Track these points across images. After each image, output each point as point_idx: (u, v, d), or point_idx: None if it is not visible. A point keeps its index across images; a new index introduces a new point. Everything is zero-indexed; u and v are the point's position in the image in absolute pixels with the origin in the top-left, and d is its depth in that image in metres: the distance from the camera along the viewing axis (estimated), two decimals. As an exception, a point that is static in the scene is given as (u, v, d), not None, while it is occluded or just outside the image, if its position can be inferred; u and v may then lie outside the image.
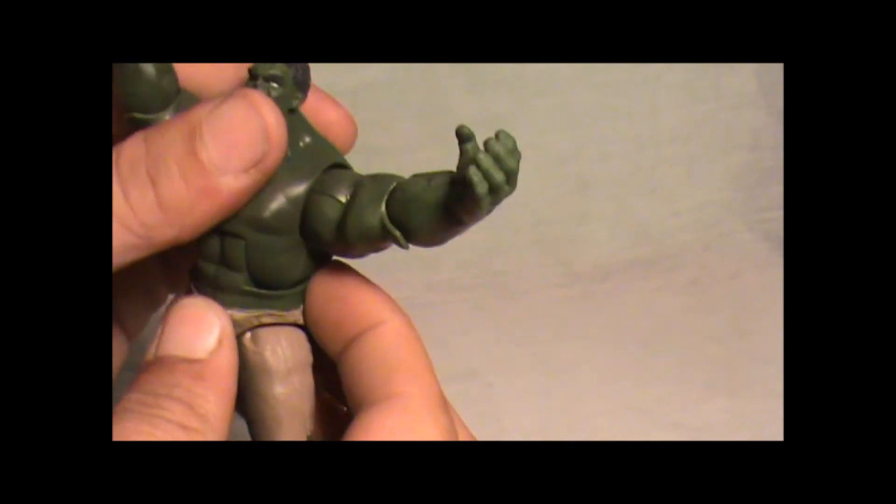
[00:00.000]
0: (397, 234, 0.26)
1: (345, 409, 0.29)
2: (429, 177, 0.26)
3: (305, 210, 0.27)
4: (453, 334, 0.68)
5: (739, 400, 0.62)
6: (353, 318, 0.27)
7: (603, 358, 0.67)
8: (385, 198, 0.26)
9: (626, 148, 0.80)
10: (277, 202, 0.26)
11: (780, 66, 0.77)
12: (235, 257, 0.27)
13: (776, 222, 0.80)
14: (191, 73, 0.27)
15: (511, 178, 0.24)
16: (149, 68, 0.26)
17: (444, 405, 0.26)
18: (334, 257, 0.29)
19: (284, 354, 0.27)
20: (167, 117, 0.26)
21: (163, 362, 0.25)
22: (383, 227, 0.26)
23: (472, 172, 0.23)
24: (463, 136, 0.23)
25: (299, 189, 0.27)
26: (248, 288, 0.27)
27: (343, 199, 0.26)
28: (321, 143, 0.28)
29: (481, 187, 0.23)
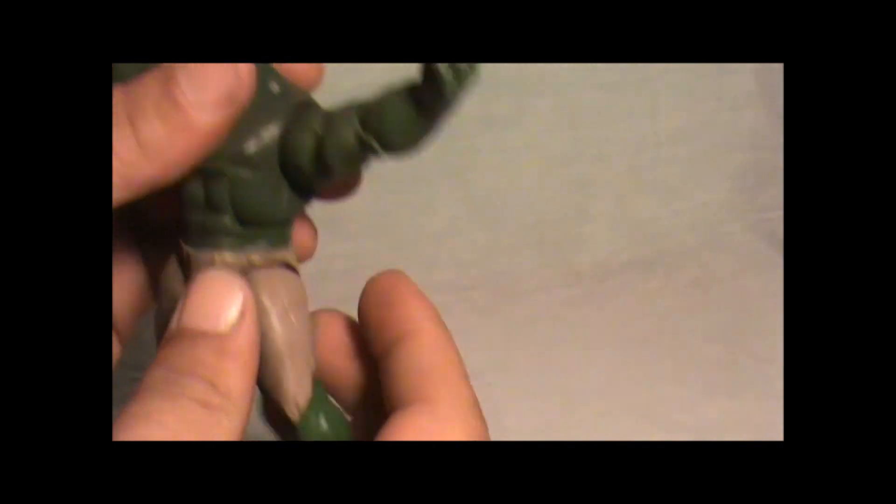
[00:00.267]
0: (373, 141, 0.26)
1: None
2: (396, 87, 0.27)
3: (283, 144, 0.27)
4: (453, 334, 0.68)
5: (739, 400, 0.62)
6: (394, 323, 0.28)
7: (603, 358, 0.67)
8: (356, 112, 0.27)
9: (626, 148, 0.80)
10: (255, 137, 0.27)
11: (780, 66, 0.77)
12: (219, 197, 0.27)
13: (776, 222, 0.80)
14: None
15: (471, 66, 0.25)
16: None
17: (477, 411, 0.26)
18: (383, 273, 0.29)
19: (280, 294, 0.27)
20: None
21: (184, 335, 0.25)
22: (359, 139, 0.26)
23: (435, 64, 0.25)
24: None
25: (275, 124, 0.27)
26: (234, 227, 0.27)
27: (318, 128, 0.27)
28: (290, 87, 0.28)
29: (444, 69, 0.25)
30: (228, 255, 0.27)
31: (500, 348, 0.67)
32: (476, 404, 0.26)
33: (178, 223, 0.28)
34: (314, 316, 0.30)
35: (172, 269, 0.29)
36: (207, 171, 0.27)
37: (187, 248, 0.28)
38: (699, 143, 0.81)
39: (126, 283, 0.32)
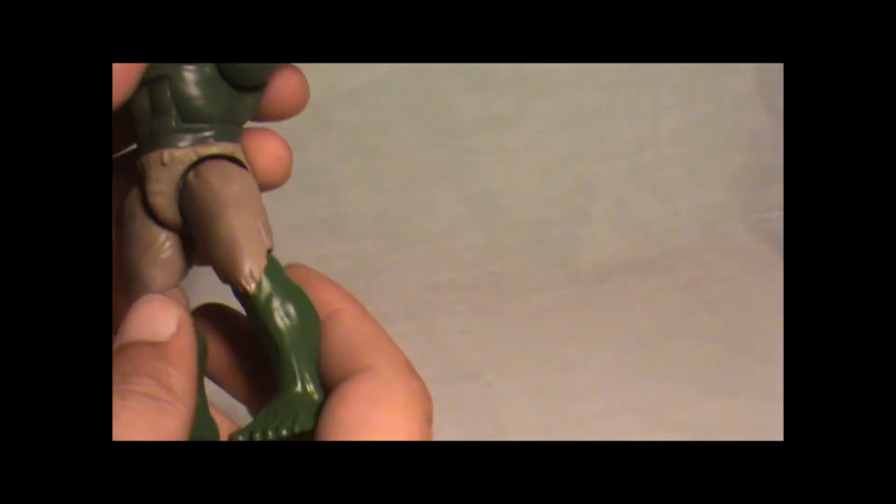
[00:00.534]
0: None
1: None
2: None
3: None
4: (453, 334, 0.68)
5: (739, 400, 0.62)
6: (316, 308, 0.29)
7: (603, 358, 0.67)
8: None
9: (626, 148, 0.80)
10: None
11: (780, 66, 0.77)
12: (163, 100, 0.28)
13: (776, 222, 0.80)
14: None
15: None
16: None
17: (414, 372, 0.27)
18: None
19: (228, 180, 0.28)
20: None
21: (128, 347, 0.26)
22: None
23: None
24: None
25: None
26: (179, 125, 0.28)
27: None
28: None
29: None
30: (176, 151, 0.28)
31: (500, 348, 0.67)
32: (410, 364, 0.27)
33: (134, 156, 0.29)
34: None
35: (131, 204, 0.29)
36: (151, 78, 0.28)
37: (139, 161, 0.29)
38: (699, 143, 0.82)
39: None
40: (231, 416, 0.32)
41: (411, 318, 0.69)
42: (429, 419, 0.27)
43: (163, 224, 0.29)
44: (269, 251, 0.28)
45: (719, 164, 0.82)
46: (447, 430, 0.56)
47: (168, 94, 0.28)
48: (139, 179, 0.29)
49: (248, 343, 0.31)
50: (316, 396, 0.27)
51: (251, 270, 0.27)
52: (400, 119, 0.75)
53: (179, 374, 0.26)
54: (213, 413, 0.30)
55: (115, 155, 0.32)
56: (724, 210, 0.81)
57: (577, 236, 0.79)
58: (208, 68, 0.28)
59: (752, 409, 0.61)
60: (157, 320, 0.27)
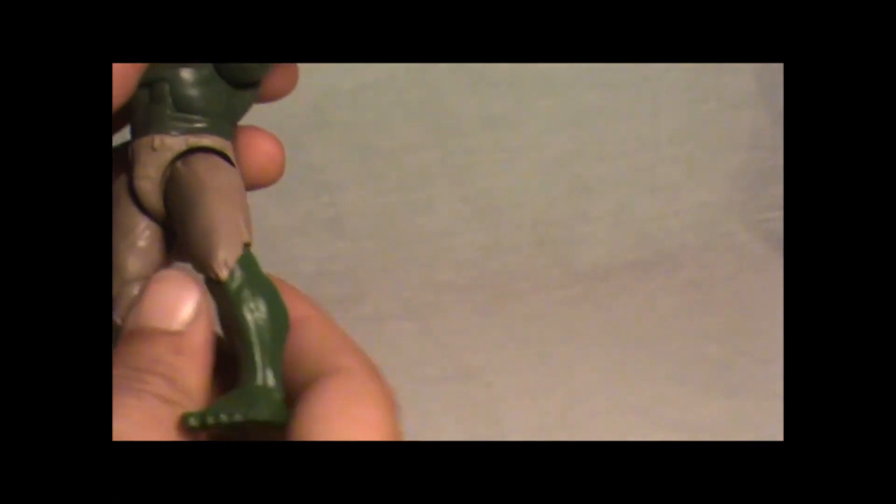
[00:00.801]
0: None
1: None
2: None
3: None
4: (453, 334, 0.68)
5: (738, 400, 0.62)
6: None
7: (603, 358, 0.67)
8: None
9: (626, 148, 0.80)
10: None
11: (780, 66, 0.77)
12: (161, 93, 0.29)
13: (776, 222, 0.80)
14: None
15: None
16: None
17: (383, 376, 0.28)
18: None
19: (215, 171, 0.28)
20: None
21: (142, 334, 0.26)
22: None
23: None
24: None
25: None
26: (173, 113, 0.29)
27: None
28: None
29: None
30: (168, 138, 0.28)
31: (500, 348, 0.67)
32: (378, 368, 0.28)
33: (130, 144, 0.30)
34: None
35: (116, 189, 0.29)
36: (150, 80, 0.28)
37: (130, 145, 0.29)
38: (699, 143, 0.82)
39: None
40: None
41: (411, 318, 0.69)
42: (398, 419, 0.27)
43: (145, 210, 0.29)
44: (247, 245, 0.28)
45: (719, 164, 0.82)
46: (447, 429, 0.56)
47: (167, 88, 0.28)
48: (128, 164, 0.29)
49: (222, 365, 0.31)
50: (276, 393, 0.27)
51: (225, 258, 0.27)
52: (400, 119, 0.75)
53: (194, 370, 0.26)
54: None
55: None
56: (724, 210, 0.81)
57: (577, 236, 0.79)
58: (206, 69, 0.29)
59: (752, 409, 0.61)
60: (175, 304, 0.26)
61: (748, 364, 0.66)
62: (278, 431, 0.27)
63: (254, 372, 0.27)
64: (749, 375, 0.64)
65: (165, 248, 0.29)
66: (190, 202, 0.28)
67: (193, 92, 0.29)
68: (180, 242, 0.29)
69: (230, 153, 0.29)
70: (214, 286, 0.28)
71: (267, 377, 0.27)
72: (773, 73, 0.80)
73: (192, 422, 0.26)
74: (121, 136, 0.30)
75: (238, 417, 0.26)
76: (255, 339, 0.27)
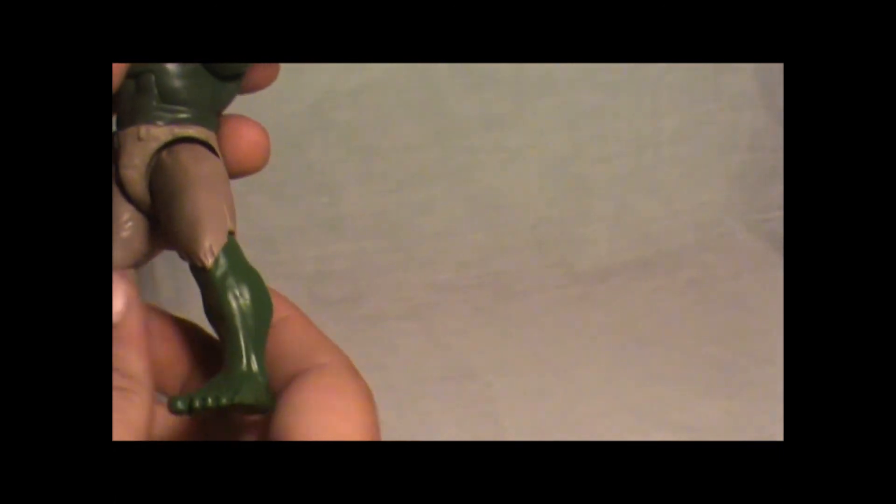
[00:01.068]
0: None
1: None
2: None
3: None
4: (453, 334, 0.68)
5: (739, 400, 0.62)
6: None
7: (602, 358, 0.67)
8: None
9: (626, 148, 0.80)
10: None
11: (780, 66, 0.77)
12: (147, 84, 0.29)
13: (776, 222, 0.80)
14: None
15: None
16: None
17: (358, 372, 0.29)
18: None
19: (200, 161, 0.29)
20: None
21: None
22: None
23: None
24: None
25: None
26: (159, 104, 0.29)
27: None
28: None
29: None
30: (153, 128, 0.29)
31: (500, 348, 0.67)
32: (354, 366, 0.29)
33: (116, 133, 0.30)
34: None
35: None
36: (137, 70, 0.29)
37: (115, 136, 0.29)
38: (699, 143, 0.82)
39: None
40: None
41: (411, 318, 0.69)
42: (376, 412, 0.27)
43: (130, 199, 0.29)
44: (232, 233, 0.28)
45: (719, 164, 0.82)
46: (446, 429, 0.56)
47: (153, 79, 0.29)
48: (114, 153, 0.29)
49: (207, 358, 0.31)
50: (260, 378, 0.28)
51: (210, 246, 0.28)
52: (400, 119, 0.75)
53: (136, 357, 0.26)
54: (157, 407, 0.30)
55: None
56: (724, 210, 0.81)
57: (577, 236, 0.79)
58: (196, 64, 0.29)
59: (751, 410, 0.61)
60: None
61: (748, 364, 0.66)
62: (262, 415, 0.27)
63: (238, 357, 0.28)
64: (749, 376, 0.64)
65: (148, 238, 0.30)
66: (175, 191, 0.28)
67: (179, 83, 0.29)
68: (165, 231, 0.29)
69: (214, 144, 0.30)
70: (200, 273, 0.28)
71: (251, 362, 0.28)
72: (773, 73, 0.80)
73: (179, 405, 0.26)
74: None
75: (224, 401, 0.26)
76: (239, 324, 0.28)
